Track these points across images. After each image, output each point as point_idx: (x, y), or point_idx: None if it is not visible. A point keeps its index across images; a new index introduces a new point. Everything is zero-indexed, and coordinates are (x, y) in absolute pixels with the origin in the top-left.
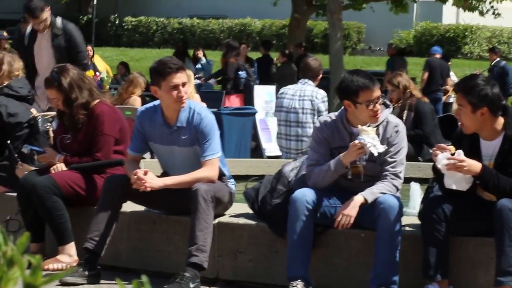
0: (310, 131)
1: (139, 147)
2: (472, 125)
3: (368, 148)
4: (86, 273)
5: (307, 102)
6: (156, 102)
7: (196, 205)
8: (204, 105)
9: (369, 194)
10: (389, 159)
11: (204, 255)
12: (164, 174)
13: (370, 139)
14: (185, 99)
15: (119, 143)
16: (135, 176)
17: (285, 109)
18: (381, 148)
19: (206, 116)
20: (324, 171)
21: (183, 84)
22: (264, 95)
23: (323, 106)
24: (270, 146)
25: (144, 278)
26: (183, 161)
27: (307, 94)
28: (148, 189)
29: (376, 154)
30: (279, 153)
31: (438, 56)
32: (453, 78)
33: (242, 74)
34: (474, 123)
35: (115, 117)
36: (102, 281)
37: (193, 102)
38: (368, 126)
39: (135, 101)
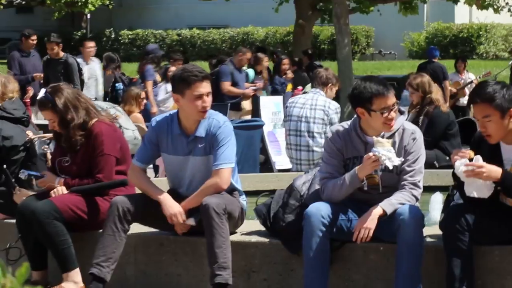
0: (321, 141)
1: (148, 159)
2: (501, 133)
3: (383, 161)
4: None
5: (319, 111)
6: (173, 111)
7: (209, 221)
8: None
9: (388, 205)
10: (407, 168)
11: (227, 271)
12: (171, 191)
13: (385, 151)
14: (208, 110)
15: (121, 163)
16: (179, 221)
17: (295, 118)
18: (397, 161)
19: (225, 124)
20: (339, 185)
21: (208, 94)
22: (271, 106)
23: (336, 118)
24: (280, 159)
25: None
26: (196, 172)
27: (319, 103)
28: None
29: (391, 167)
30: (289, 166)
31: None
32: (471, 77)
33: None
34: (504, 129)
35: (114, 135)
36: None
37: (212, 111)
38: (383, 137)
39: (137, 119)
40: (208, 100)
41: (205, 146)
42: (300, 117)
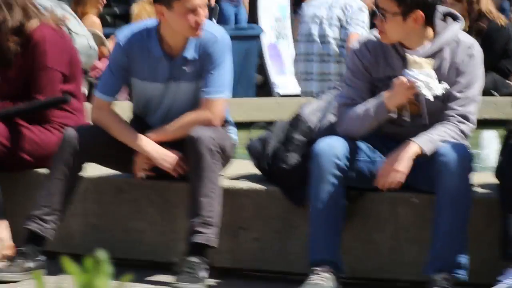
0: (336, 50)
1: (117, 89)
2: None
3: (419, 89)
4: (30, 264)
5: (337, 10)
6: (148, 24)
7: (199, 159)
8: None
9: (426, 141)
10: (457, 94)
11: (211, 230)
12: (136, 119)
13: (423, 75)
14: (203, 26)
15: (69, 80)
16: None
17: (308, 20)
18: (439, 89)
19: (223, 37)
20: (361, 115)
21: (203, 5)
22: (273, 9)
23: (362, 18)
24: (283, 81)
25: (101, 256)
26: (178, 101)
27: (339, 1)
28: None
29: (431, 98)
30: (295, 90)
31: None
32: None
33: None
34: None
35: (62, 44)
36: (48, 276)
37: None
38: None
39: (93, 23)
40: (204, 12)
41: (195, 69)
42: (313, 17)
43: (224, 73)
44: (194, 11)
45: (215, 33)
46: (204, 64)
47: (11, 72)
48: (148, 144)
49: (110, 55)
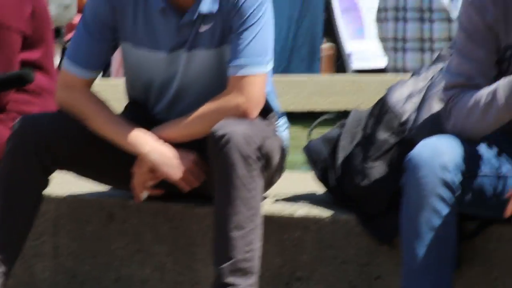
0: (444, 1)
1: (97, 59)
2: None
3: None
4: None
5: None
6: None
7: (228, 171)
8: None
9: None
10: None
11: (249, 280)
12: (134, 107)
13: None
14: None
15: (32, 46)
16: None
17: None
18: None
19: None
20: (484, 105)
21: None
22: None
23: None
24: (361, 48)
25: None
26: (192, 79)
27: None
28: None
29: None
30: (379, 63)
31: None
32: None
33: None
34: None
35: None
36: None
37: None
38: None
39: None
40: None
41: (215, 29)
42: None
43: (262, 35)
44: None
45: None
46: (230, 21)
47: None
48: (146, 141)
49: (86, 6)
